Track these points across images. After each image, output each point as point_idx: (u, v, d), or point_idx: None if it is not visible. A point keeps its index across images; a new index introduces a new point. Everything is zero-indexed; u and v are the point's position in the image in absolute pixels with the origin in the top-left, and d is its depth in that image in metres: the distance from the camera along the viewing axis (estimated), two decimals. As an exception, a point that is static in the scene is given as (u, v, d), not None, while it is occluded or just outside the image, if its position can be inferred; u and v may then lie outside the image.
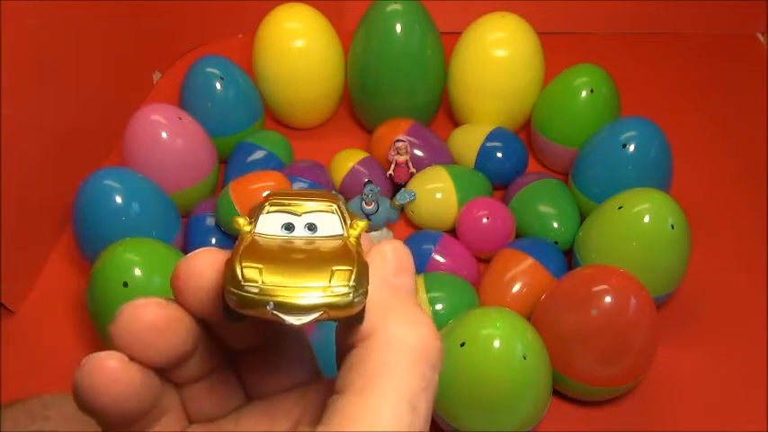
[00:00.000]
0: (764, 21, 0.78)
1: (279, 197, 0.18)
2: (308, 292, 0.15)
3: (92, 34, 0.62)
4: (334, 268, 0.16)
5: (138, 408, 0.17)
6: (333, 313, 0.15)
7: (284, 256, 0.16)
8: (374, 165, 0.60)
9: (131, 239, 0.46)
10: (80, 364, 0.17)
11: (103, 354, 0.17)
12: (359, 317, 0.16)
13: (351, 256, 0.16)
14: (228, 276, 0.16)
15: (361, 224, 0.18)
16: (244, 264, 0.16)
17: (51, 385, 0.42)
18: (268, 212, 0.18)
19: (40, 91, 0.55)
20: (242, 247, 0.16)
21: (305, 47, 0.61)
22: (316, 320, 0.15)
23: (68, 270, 0.57)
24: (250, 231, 0.17)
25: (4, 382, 0.49)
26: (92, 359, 0.17)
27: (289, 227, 0.17)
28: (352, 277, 0.16)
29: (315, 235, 0.17)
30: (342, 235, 0.17)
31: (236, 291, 0.15)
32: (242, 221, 0.17)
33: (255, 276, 0.15)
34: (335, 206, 0.18)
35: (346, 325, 0.17)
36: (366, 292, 0.16)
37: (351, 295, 0.16)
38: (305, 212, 0.18)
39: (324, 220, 0.18)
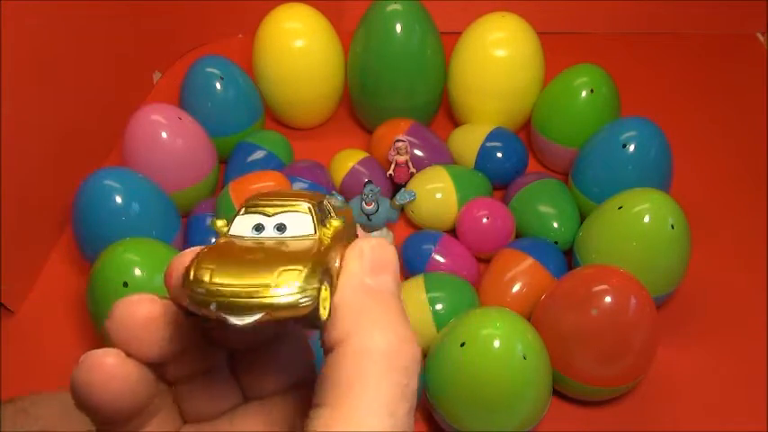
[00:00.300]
0: (764, 21, 0.78)
1: (256, 198, 0.18)
2: (250, 292, 0.15)
3: (92, 34, 0.62)
4: (283, 268, 0.16)
5: (134, 404, 0.17)
6: (275, 314, 0.15)
7: (240, 257, 0.16)
8: (374, 165, 0.60)
9: (131, 239, 0.46)
10: (78, 361, 0.17)
11: (101, 351, 0.17)
12: (311, 319, 0.16)
13: (306, 257, 0.16)
14: (184, 277, 0.16)
15: (335, 223, 0.18)
16: (200, 265, 0.16)
17: (51, 385, 0.42)
18: (243, 214, 0.18)
19: (40, 91, 0.55)
20: (206, 249, 0.17)
21: (305, 47, 0.61)
22: (260, 322, 0.15)
23: (68, 270, 0.57)
24: (225, 233, 0.18)
25: (4, 382, 0.49)
26: (90, 356, 0.17)
27: (258, 228, 0.18)
28: (301, 277, 0.16)
29: (283, 235, 0.17)
30: (311, 235, 0.17)
31: (187, 291, 0.16)
32: (219, 223, 0.18)
33: (205, 277, 0.16)
34: (308, 206, 0.18)
35: (308, 328, 0.17)
36: (317, 294, 0.16)
37: (295, 296, 0.15)
38: (276, 213, 0.18)
39: (294, 221, 0.18)
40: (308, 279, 0.16)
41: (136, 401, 0.17)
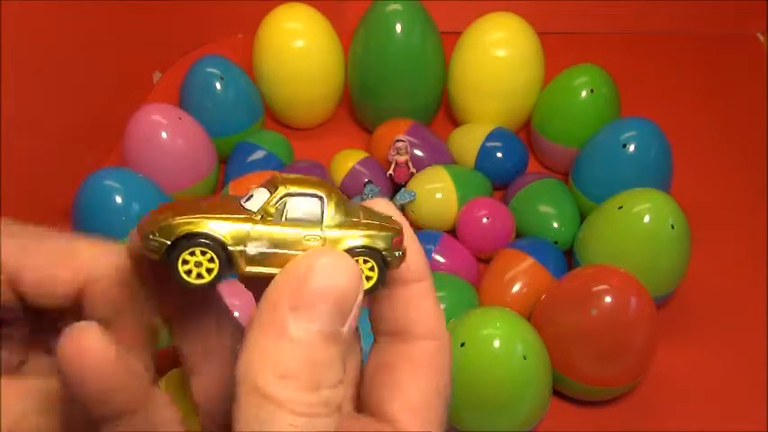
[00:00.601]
0: (764, 21, 0.78)
1: (289, 177, 0.20)
2: (143, 227, 0.17)
3: (92, 34, 0.62)
4: (166, 218, 0.17)
5: (115, 385, 0.17)
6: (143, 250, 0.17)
7: (190, 207, 0.18)
8: (374, 165, 0.60)
9: (131, 239, 0.46)
10: (60, 346, 0.16)
11: (81, 327, 0.16)
12: (173, 275, 0.17)
13: (184, 214, 0.17)
14: None
15: (270, 210, 0.18)
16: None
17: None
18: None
19: (41, 91, 0.55)
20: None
21: (305, 47, 0.61)
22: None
23: (68, 270, 0.57)
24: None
25: (5, 382, 0.49)
26: (69, 336, 0.16)
27: (247, 196, 0.19)
28: (159, 225, 0.17)
29: (243, 203, 0.18)
30: (252, 212, 0.18)
31: None
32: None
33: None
34: (278, 190, 0.18)
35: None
36: (156, 245, 0.17)
37: (147, 238, 0.17)
38: (259, 187, 0.19)
39: (260, 197, 0.19)
40: (164, 230, 0.17)
41: (117, 382, 0.17)
